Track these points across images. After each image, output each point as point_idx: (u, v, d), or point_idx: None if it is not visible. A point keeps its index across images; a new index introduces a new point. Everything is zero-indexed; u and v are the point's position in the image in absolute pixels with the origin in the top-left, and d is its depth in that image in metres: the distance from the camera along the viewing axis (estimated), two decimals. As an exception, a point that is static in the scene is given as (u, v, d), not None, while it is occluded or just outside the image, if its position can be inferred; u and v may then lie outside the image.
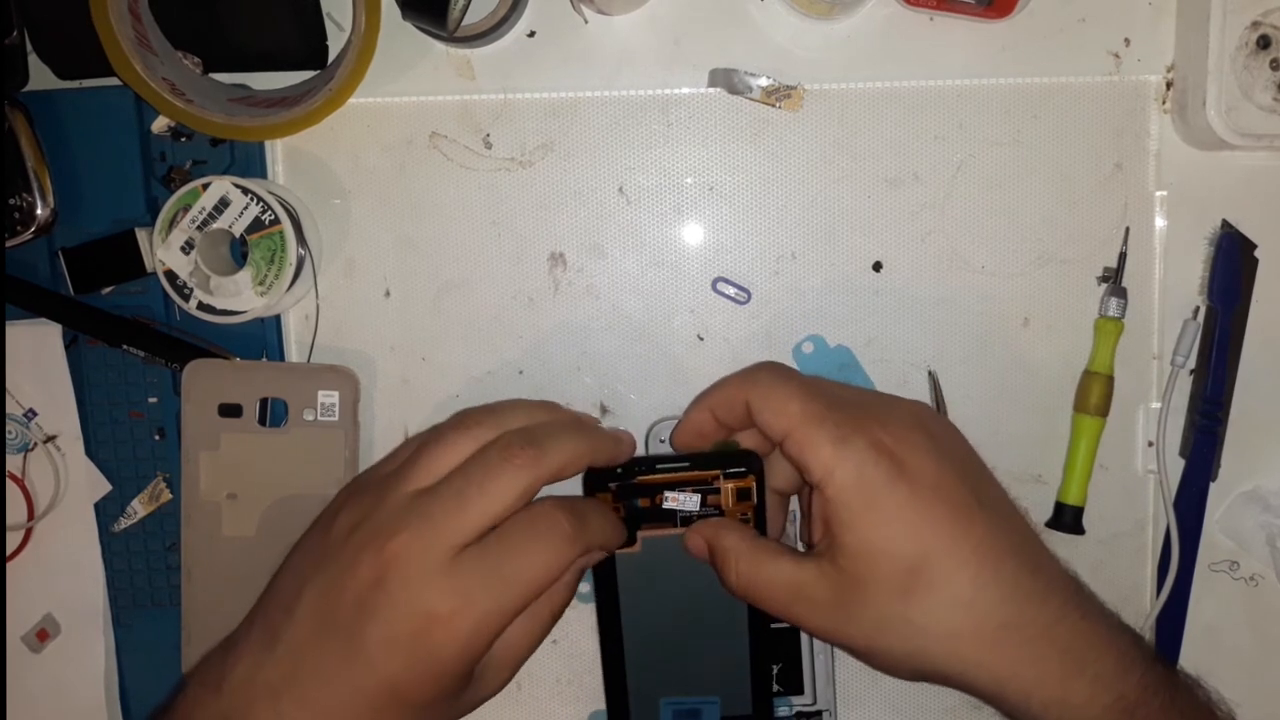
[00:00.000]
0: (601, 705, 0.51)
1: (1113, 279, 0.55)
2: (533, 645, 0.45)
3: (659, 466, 0.47)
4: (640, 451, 0.51)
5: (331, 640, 0.40)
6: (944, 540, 0.41)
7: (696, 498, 0.46)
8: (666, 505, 0.46)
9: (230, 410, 0.55)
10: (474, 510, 0.41)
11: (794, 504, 0.52)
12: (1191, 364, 0.55)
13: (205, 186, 0.53)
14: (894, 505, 0.41)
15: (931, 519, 0.41)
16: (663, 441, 0.52)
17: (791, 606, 0.43)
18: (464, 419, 0.45)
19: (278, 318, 0.57)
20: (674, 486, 0.46)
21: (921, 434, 0.43)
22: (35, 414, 0.57)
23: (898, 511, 0.41)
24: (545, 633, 0.45)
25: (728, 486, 0.47)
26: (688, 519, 0.47)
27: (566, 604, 0.46)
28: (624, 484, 0.46)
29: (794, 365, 0.56)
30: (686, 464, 0.46)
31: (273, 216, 0.53)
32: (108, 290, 0.57)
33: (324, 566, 0.42)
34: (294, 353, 0.57)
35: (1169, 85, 0.54)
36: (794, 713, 0.55)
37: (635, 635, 0.48)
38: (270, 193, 0.53)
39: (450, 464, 0.43)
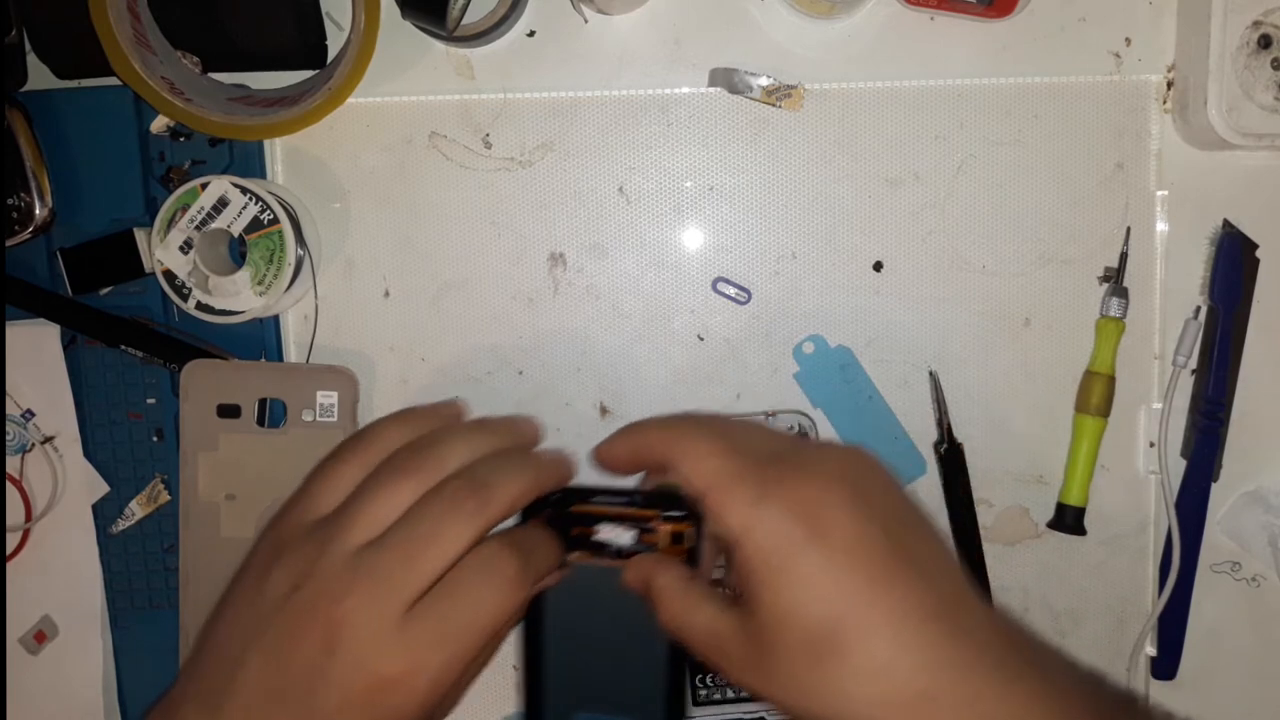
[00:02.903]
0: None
1: (1114, 279, 0.55)
2: (479, 671, 0.44)
3: (595, 499, 0.45)
4: None
5: (281, 710, 0.39)
6: (858, 605, 0.39)
7: (630, 534, 0.45)
8: (598, 538, 0.45)
9: (229, 411, 0.54)
10: (424, 564, 0.39)
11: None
12: (1193, 364, 0.55)
13: (204, 186, 0.53)
14: (807, 568, 0.39)
15: (846, 582, 0.39)
16: None
17: (711, 656, 0.42)
18: (399, 462, 0.42)
19: (276, 318, 0.57)
20: (609, 520, 0.45)
21: (845, 489, 0.40)
22: (33, 414, 0.57)
23: (811, 575, 0.39)
24: (491, 657, 0.44)
25: (664, 529, 0.45)
26: (619, 553, 0.46)
27: (511, 628, 0.44)
28: (560, 512, 0.45)
29: (794, 365, 0.56)
30: (627, 499, 0.45)
31: (271, 216, 0.53)
32: (106, 290, 0.57)
33: (267, 630, 0.40)
34: (293, 353, 0.57)
35: (1170, 85, 0.54)
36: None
37: (555, 651, 0.47)
38: (269, 192, 0.53)
39: (392, 513, 0.41)
